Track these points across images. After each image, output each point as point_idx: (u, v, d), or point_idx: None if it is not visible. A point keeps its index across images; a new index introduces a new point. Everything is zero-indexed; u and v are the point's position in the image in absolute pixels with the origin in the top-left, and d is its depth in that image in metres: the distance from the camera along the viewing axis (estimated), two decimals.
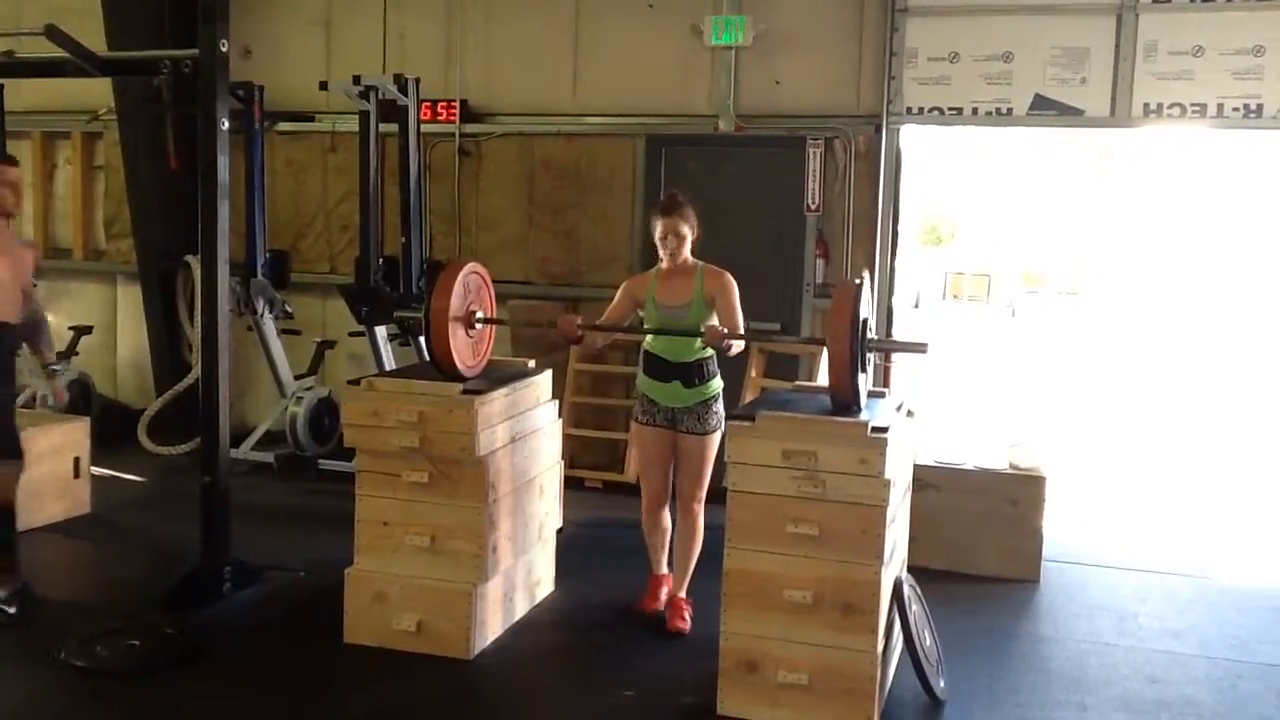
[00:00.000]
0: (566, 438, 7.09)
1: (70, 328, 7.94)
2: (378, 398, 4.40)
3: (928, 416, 7.31)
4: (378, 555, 4.42)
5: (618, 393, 7.18)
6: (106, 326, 8.33)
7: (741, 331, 4.61)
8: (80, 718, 3.88)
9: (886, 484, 3.73)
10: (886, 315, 6.76)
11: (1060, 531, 5.92)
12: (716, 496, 3.92)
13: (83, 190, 8.28)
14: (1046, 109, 6.29)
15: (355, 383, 4.51)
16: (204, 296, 4.85)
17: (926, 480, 5.57)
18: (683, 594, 4.76)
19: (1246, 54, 5.95)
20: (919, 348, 4.39)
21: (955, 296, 22.29)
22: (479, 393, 4.37)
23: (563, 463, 5.50)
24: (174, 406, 7.43)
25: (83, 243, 8.36)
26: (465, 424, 4.28)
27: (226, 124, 4.69)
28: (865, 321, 4.08)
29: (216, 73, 4.63)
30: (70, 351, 7.80)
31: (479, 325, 4.66)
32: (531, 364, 5.08)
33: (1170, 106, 6.10)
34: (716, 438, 4.63)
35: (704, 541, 4.70)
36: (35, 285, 5.00)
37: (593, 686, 4.20)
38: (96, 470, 6.71)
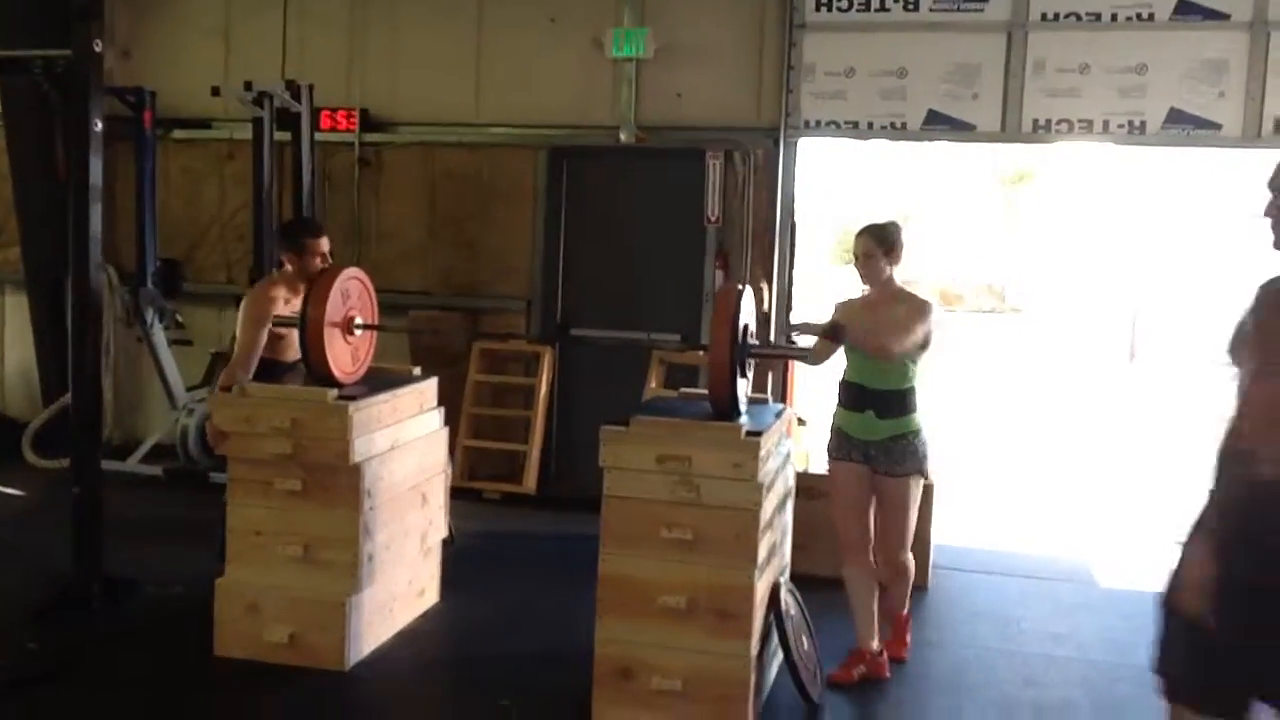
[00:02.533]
0: (465, 449, 7.06)
1: None
2: (250, 404, 4.30)
3: (827, 426, 7.39)
4: (250, 566, 4.31)
5: (516, 404, 7.13)
6: None
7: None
8: None
9: (760, 488, 3.72)
10: (785, 325, 6.78)
11: (949, 539, 5.97)
12: (594, 505, 3.87)
13: None
14: (940, 124, 6.38)
15: (226, 389, 4.40)
16: (75, 303, 4.71)
17: (817, 489, 5.57)
18: (905, 610, 4.56)
19: (1130, 72, 6.09)
20: (801, 354, 4.40)
21: None
22: (354, 398, 4.29)
23: (449, 472, 5.44)
24: (61, 419, 7.21)
25: None
26: (339, 430, 4.20)
27: (100, 125, 4.58)
28: (746, 328, 4.08)
29: (89, 72, 4.52)
30: None
31: (358, 331, 4.58)
32: (417, 371, 5.00)
33: (1059, 122, 6.22)
34: (917, 482, 4.21)
35: (579, 551, 4.41)
36: None
37: (469, 697, 4.14)
38: None
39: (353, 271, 4.67)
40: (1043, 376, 15.37)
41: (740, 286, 4.10)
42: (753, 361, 4.25)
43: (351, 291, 4.59)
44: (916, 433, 4.20)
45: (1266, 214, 2.68)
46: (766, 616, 3.99)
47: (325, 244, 4.74)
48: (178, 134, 7.52)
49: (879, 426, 4.18)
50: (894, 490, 4.21)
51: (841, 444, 4.30)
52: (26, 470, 7.02)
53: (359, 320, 4.59)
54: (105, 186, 7.54)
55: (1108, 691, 4.29)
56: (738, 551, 3.74)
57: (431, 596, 5.02)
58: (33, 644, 4.30)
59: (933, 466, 4.35)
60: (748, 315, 4.10)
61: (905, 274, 4.39)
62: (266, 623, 4.27)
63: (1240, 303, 2.66)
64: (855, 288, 4.67)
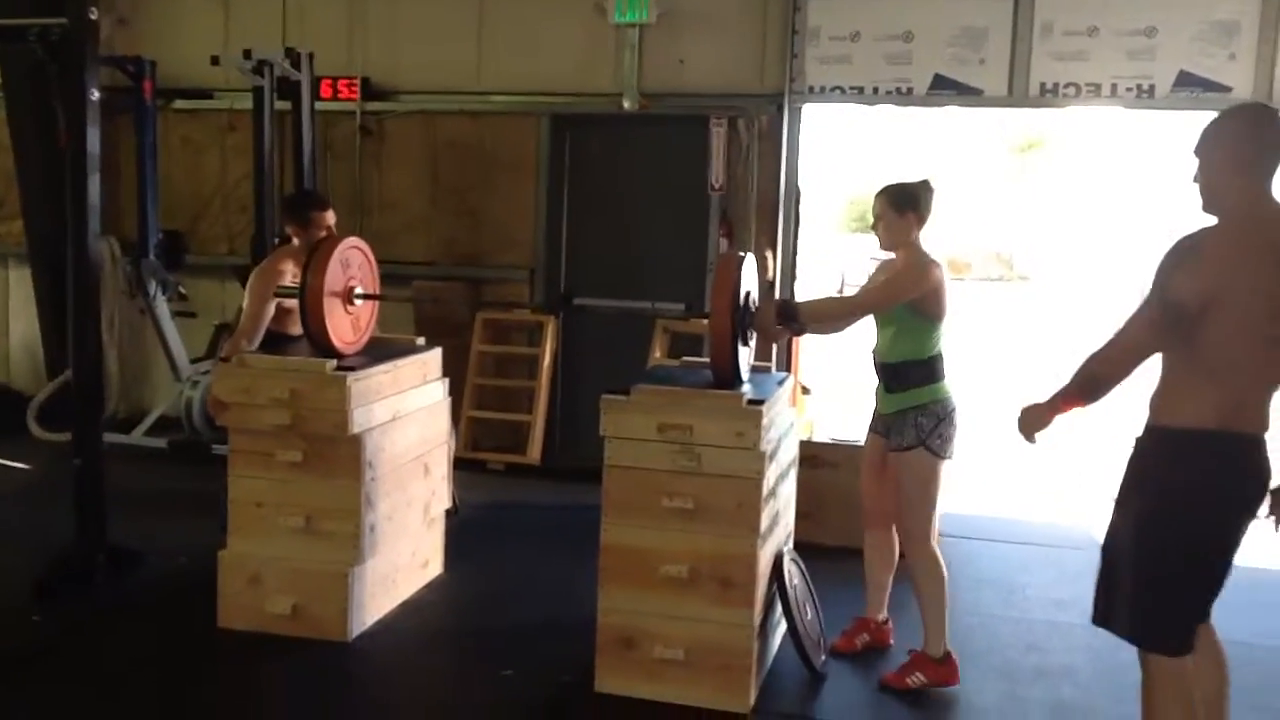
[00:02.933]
0: (469, 420, 7.05)
1: None
2: (249, 374, 4.28)
3: (832, 395, 7.37)
4: (252, 537, 4.30)
5: (520, 374, 7.11)
6: None
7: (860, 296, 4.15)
8: None
9: (762, 456, 3.69)
10: (790, 294, 6.73)
11: (954, 507, 5.93)
12: (598, 475, 3.85)
13: None
14: (946, 89, 6.30)
15: (226, 359, 4.39)
16: (74, 276, 4.68)
17: (823, 458, 5.57)
18: (934, 651, 4.02)
19: (1139, 34, 6.00)
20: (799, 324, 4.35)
21: None
22: (353, 369, 4.27)
23: (453, 442, 5.43)
24: (66, 392, 7.20)
25: None
26: (338, 401, 4.18)
27: (97, 95, 4.53)
28: (748, 295, 4.04)
29: (85, 40, 4.47)
30: None
31: (359, 301, 4.55)
32: (420, 341, 4.98)
33: (1066, 86, 6.13)
34: (916, 457, 3.94)
35: (583, 521, 4.36)
36: None
37: (471, 667, 4.14)
38: None
39: (353, 241, 4.63)
40: (1050, 344, 15.31)
41: (741, 254, 4.07)
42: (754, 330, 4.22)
43: (352, 261, 4.55)
44: (922, 407, 3.95)
45: (1193, 180, 2.90)
46: (770, 586, 3.98)
47: (330, 217, 4.72)
48: (179, 104, 7.48)
49: (887, 400, 4.07)
50: (894, 464, 4.04)
51: (872, 415, 4.22)
52: (32, 443, 7.02)
53: (359, 290, 4.56)
54: (106, 158, 7.52)
55: (1110, 657, 4.23)
56: (740, 520, 3.72)
57: (436, 567, 5.01)
58: (37, 616, 4.30)
59: (952, 445, 4.01)
60: (749, 283, 4.07)
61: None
62: (269, 594, 4.27)
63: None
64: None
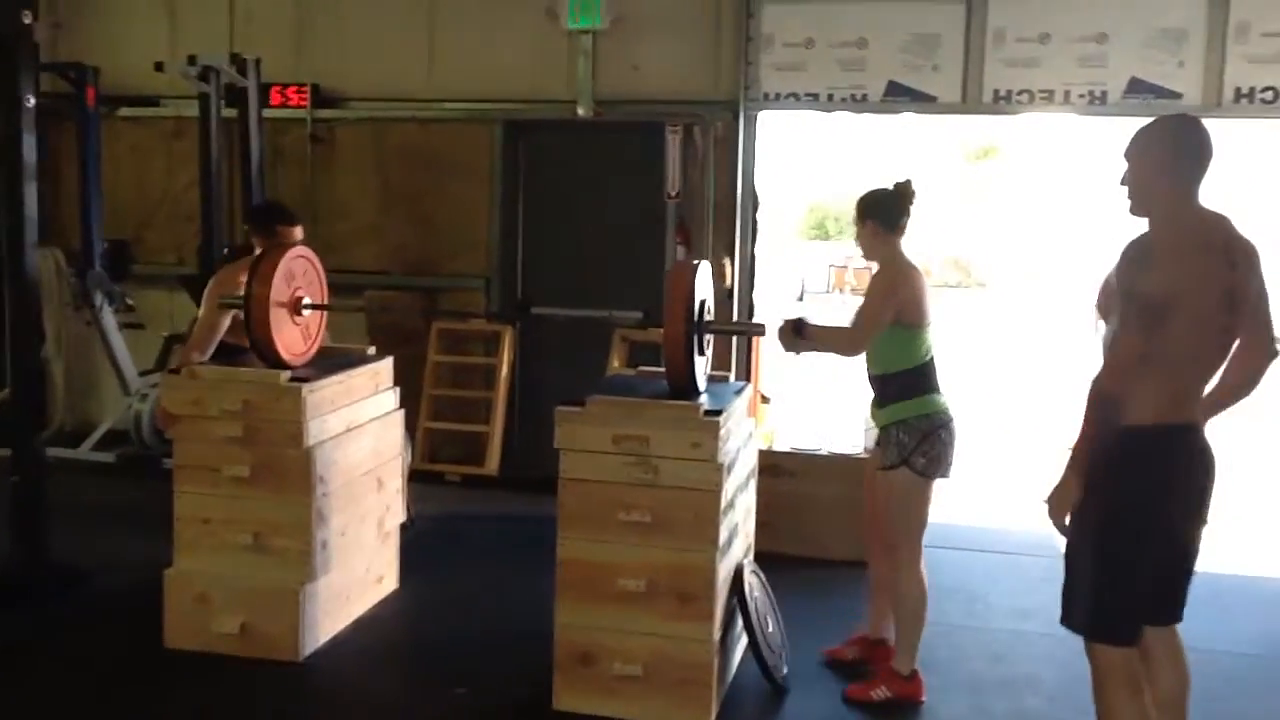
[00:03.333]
0: (425, 431, 6.94)
1: None
2: (199, 386, 4.17)
3: (792, 403, 7.34)
4: (199, 555, 4.19)
5: (478, 384, 7.01)
6: None
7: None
8: None
9: (720, 468, 3.64)
10: (748, 301, 6.70)
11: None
12: (554, 486, 3.77)
13: None
14: (900, 95, 6.29)
15: (175, 371, 4.27)
16: (10, 288, 4.56)
17: (782, 466, 5.53)
18: (899, 667, 3.94)
19: (1090, 41, 6.01)
20: (757, 329, 4.32)
21: (840, 289, 22.53)
22: (307, 380, 4.18)
23: (408, 454, 5.33)
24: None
25: None
26: (292, 412, 4.09)
27: (32, 102, 4.41)
28: (703, 304, 3.99)
29: (19, 46, 4.35)
30: None
31: (306, 312, 4.44)
32: (371, 350, 4.88)
33: (1020, 93, 6.14)
34: (898, 476, 3.81)
35: (541, 533, 4.13)
36: None
37: (426, 685, 4.04)
38: None
39: (299, 250, 4.52)
40: (1008, 350, 15.42)
41: (696, 262, 4.02)
42: (711, 338, 4.17)
43: (297, 271, 4.44)
44: (904, 422, 3.81)
45: (1122, 182, 3.04)
46: (730, 599, 3.92)
47: (298, 233, 4.64)
48: (124, 112, 7.32)
49: (877, 414, 3.95)
50: (878, 480, 3.94)
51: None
52: None
53: (307, 300, 4.46)
54: (50, 166, 7.43)
55: (1075, 666, 4.15)
56: (698, 533, 3.66)
57: (391, 583, 4.91)
58: None
59: (942, 464, 3.87)
60: (704, 291, 4.01)
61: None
62: (216, 613, 4.15)
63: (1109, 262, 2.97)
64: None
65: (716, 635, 3.72)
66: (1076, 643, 4.38)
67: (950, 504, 6.12)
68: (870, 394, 4.01)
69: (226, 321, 4.45)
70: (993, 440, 9.06)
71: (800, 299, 21.63)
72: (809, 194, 30.18)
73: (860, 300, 4.00)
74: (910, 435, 3.82)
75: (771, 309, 6.98)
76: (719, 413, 3.69)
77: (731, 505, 3.87)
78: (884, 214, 3.97)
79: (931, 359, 3.93)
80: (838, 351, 4.01)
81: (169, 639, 4.19)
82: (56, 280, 7.06)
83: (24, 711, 3.74)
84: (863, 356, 3.94)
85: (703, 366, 4.05)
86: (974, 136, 26.89)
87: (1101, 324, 3.20)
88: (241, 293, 4.38)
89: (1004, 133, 25.77)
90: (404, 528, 5.14)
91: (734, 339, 6.44)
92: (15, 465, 4.58)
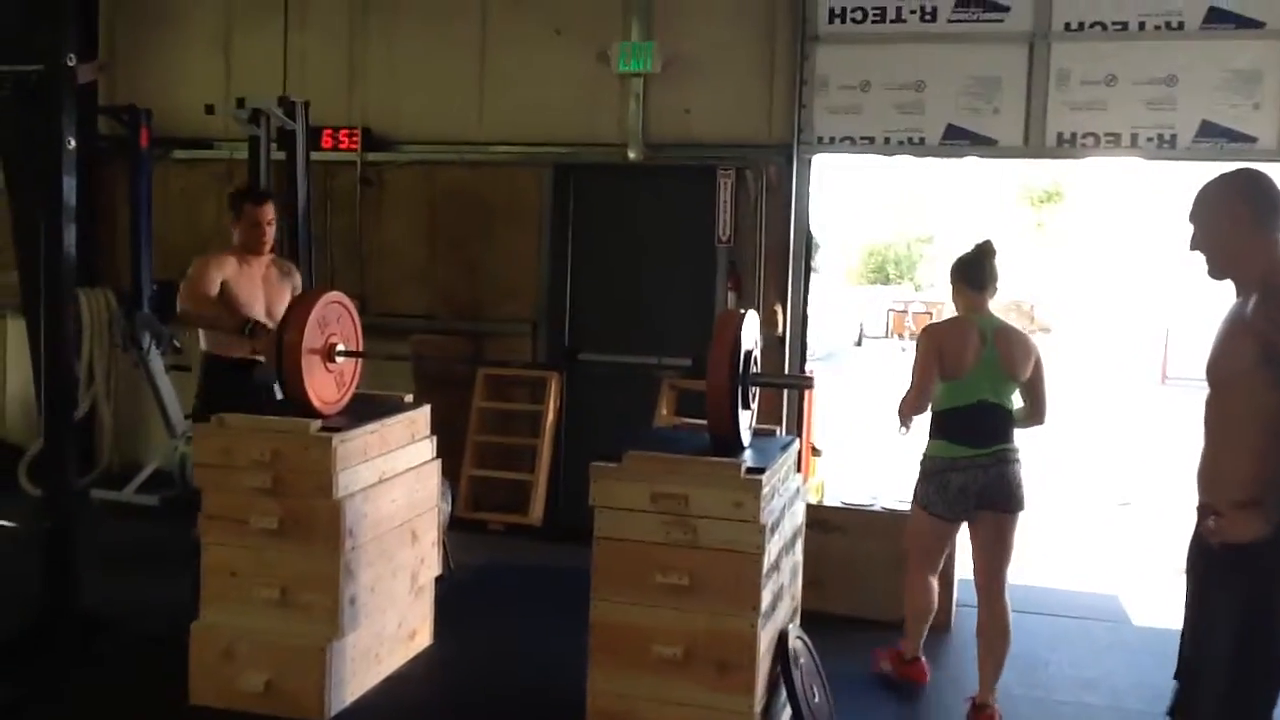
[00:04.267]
0: (469, 479, 6.82)
1: None
2: (228, 434, 4.08)
3: (845, 455, 7.12)
4: (226, 608, 4.07)
5: (523, 431, 6.87)
6: None
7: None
8: None
9: (762, 529, 3.45)
10: (801, 349, 6.50)
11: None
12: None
13: None
14: (960, 139, 6.11)
15: (205, 419, 4.19)
16: (48, 330, 4.51)
17: (832, 522, 5.32)
18: (902, 649, 4.58)
19: (1160, 83, 5.80)
20: (806, 382, 4.16)
21: (899, 334, 22.18)
22: (339, 429, 4.06)
23: (446, 505, 5.20)
24: None
25: None
26: (322, 463, 3.97)
27: (73, 143, 4.38)
28: (749, 355, 3.83)
29: (61, 87, 4.33)
30: None
31: (339, 359, 4.34)
32: (408, 398, 4.76)
33: (1084, 136, 5.93)
34: (914, 512, 4.39)
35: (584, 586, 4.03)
36: None
37: None
38: None
39: (333, 295, 4.43)
40: (1072, 398, 14.99)
41: (742, 311, 3.86)
42: (757, 390, 4.00)
43: (330, 317, 4.36)
44: (921, 461, 4.31)
45: (1193, 249, 2.86)
46: (773, 667, 3.72)
47: (268, 213, 4.84)
48: (178, 154, 7.35)
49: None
50: None
51: None
52: (24, 499, 6.82)
53: (341, 346, 4.36)
54: (103, 208, 7.48)
55: None
56: (738, 597, 3.47)
57: (424, 638, 4.76)
58: None
59: (940, 503, 4.28)
60: (750, 341, 3.85)
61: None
62: (242, 669, 4.03)
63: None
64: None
65: (758, 706, 3.52)
66: (1138, 718, 4.14)
67: (1015, 565, 5.87)
68: None
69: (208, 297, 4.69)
70: (1054, 493, 8.74)
71: (858, 344, 21.33)
72: (869, 237, 29.92)
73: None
74: (920, 473, 4.29)
75: (829, 353, 6.80)
76: (762, 470, 3.51)
77: (776, 567, 3.68)
78: (964, 274, 4.32)
79: (951, 408, 4.20)
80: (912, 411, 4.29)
81: (193, 695, 4.07)
82: (107, 321, 7.12)
83: None
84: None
85: (748, 420, 3.88)
86: (1038, 179, 26.47)
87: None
88: (226, 273, 4.76)
89: (1069, 176, 25.33)
90: (440, 579, 5.00)
91: (812, 389, 6.24)
92: (48, 510, 4.51)
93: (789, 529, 3.93)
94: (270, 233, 4.93)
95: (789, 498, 3.93)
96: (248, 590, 4.03)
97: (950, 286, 4.35)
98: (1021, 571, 5.97)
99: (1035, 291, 27.01)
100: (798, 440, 4.24)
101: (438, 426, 5.99)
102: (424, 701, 4.31)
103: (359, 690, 4.21)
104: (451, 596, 5.21)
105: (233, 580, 4.06)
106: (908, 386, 4.23)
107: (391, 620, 4.44)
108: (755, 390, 3.95)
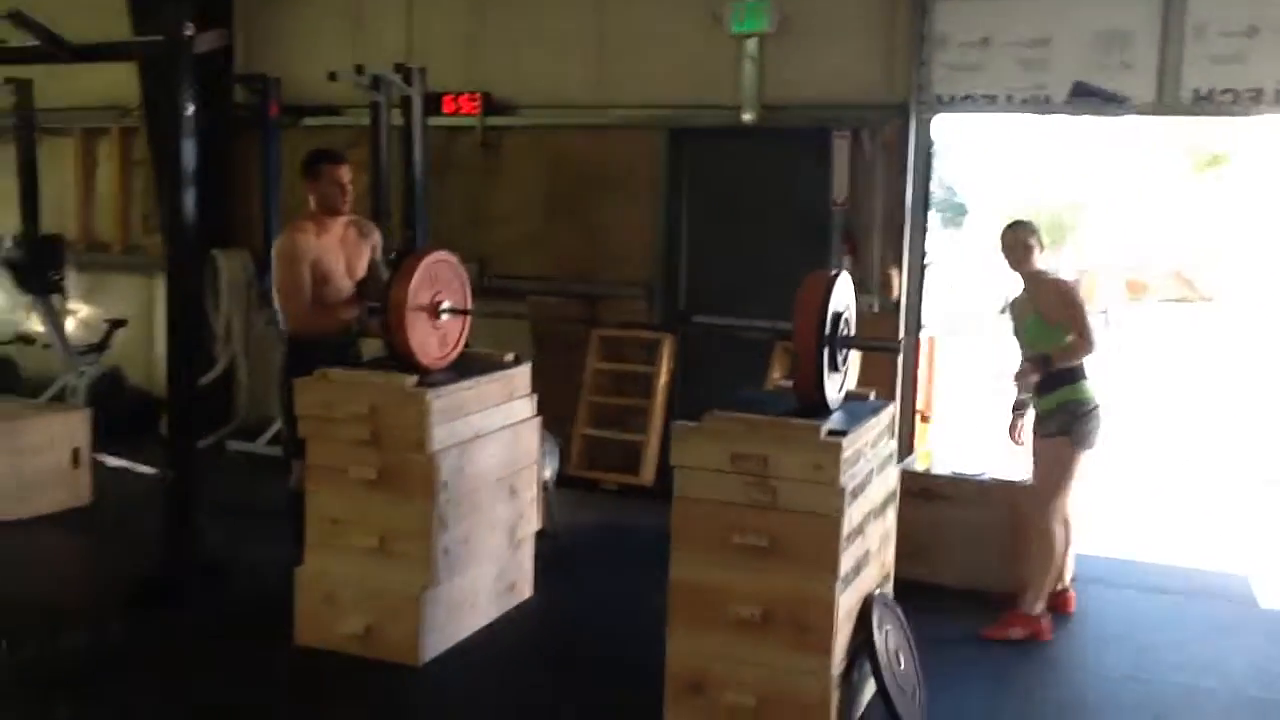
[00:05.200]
0: (583, 438, 6.91)
1: (105, 321, 8.00)
2: (330, 389, 4.22)
3: (963, 424, 6.93)
4: (328, 555, 4.24)
5: (637, 393, 6.91)
6: (143, 318, 8.35)
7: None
8: (12, 714, 3.78)
9: (842, 492, 3.40)
10: (916, 313, 6.34)
11: (1091, 548, 5.45)
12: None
13: (121, 185, 8.32)
14: (1088, 96, 5.84)
15: (291, 368, 4.36)
16: (170, 289, 4.75)
17: (939, 491, 5.20)
18: (1029, 609, 4.61)
19: None
20: (894, 347, 4.06)
21: None
22: (433, 385, 4.17)
23: (552, 462, 5.28)
24: (201, 399, 7.39)
25: (121, 237, 8.40)
26: (417, 417, 4.08)
27: (191, 109, 4.58)
28: (838, 317, 3.76)
29: (179, 56, 4.52)
30: (104, 344, 7.86)
31: (445, 316, 4.44)
32: (509, 357, 4.83)
33: (1223, 92, 5.59)
34: (1053, 444, 4.59)
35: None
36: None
37: (538, 701, 3.96)
38: (113, 461, 6.75)
39: (442, 254, 4.53)
40: (1232, 370, 14.25)
41: (834, 273, 3.79)
42: (850, 354, 3.94)
43: (439, 275, 4.45)
44: (1063, 405, 4.58)
45: None
46: (856, 632, 3.67)
47: (347, 172, 4.70)
48: (308, 121, 7.59)
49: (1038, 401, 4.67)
50: (1036, 447, 4.70)
51: None
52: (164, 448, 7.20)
53: (447, 304, 4.46)
54: (241, 174, 7.80)
55: None
56: (818, 561, 3.43)
57: (524, 590, 4.86)
58: (116, 625, 4.34)
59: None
60: (841, 303, 3.79)
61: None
62: (343, 613, 4.19)
63: None
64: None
65: (836, 670, 3.48)
66: (1261, 707, 3.96)
67: (1138, 538, 5.60)
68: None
69: (307, 274, 4.56)
70: (1195, 468, 8.36)
71: (1003, 311, 20.68)
72: (1022, 202, 28.90)
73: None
74: (1071, 413, 4.57)
75: (973, 321, 6.65)
76: (843, 433, 3.45)
77: (860, 532, 3.63)
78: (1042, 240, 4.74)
79: None
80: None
81: (299, 636, 4.26)
82: (244, 282, 7.45)
83: (146, 701, 3.87)
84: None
85: (838, 383, 3.82)
86: (1204, 142, 25.07)
87: None
88: (310, 246, 4.59)
89: (1234, 139, 23.94)
90: (542, 534, 5.09)
91: (899, 355, 6.13)
92: (170, 462, 4.76)
93: (878, 494, 3.86)
94: (350, 192, 4.77)
95: (879, 463, 3.87)
96: (348, 538, 4.18)
97: (1034, 250, 4.70)
98: (1148, 548, 5.77)
99: (1197, 260, 25.75)
100: (892, 405, 4.14)
101: (553, 386, 6.05)
102: (517, 652, 4.40)
103: (455, 638, 4.33)
104: (557, 553, 5.31)
105: (334, 528, 4.21)
106: (1077, 335, 4.52)
107: (488, 572, 4.55)
108: (846, 353, 3.88)
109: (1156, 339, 18.00)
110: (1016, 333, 4.79)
